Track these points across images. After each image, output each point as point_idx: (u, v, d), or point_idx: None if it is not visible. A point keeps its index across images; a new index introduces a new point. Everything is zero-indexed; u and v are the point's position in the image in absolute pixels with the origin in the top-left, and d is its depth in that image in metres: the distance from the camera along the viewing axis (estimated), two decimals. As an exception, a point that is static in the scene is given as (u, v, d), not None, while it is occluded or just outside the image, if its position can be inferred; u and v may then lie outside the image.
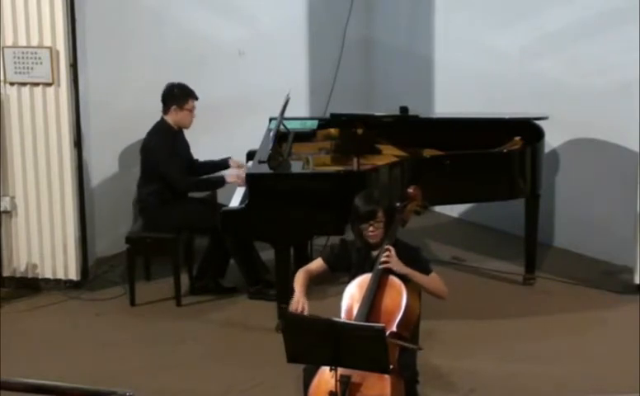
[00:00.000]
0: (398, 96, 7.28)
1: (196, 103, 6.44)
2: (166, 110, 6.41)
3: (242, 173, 6.28)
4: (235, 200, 6.12)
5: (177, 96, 6.38)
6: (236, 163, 6.63)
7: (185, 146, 6.55)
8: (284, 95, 6.35)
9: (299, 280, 4.49)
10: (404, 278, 4.33)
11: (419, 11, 7.95)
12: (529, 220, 6.49)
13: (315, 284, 5.99)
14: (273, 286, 6.14)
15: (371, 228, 4.40)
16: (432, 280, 4.45)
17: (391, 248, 4.37)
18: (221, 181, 6.45)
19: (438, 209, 7.82)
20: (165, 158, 6.30)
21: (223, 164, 6.65)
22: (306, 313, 4.29)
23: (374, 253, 4.42)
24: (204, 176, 6.60)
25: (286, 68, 7.53)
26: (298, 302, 4.36)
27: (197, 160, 6.67)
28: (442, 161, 6.18)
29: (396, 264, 4.34)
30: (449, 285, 4.57)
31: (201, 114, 6.52)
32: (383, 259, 4.33)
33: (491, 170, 6.32)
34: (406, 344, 4.25)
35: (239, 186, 6.29)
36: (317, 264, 4.62)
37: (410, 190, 4.74)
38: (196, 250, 6.69)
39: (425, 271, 4.46)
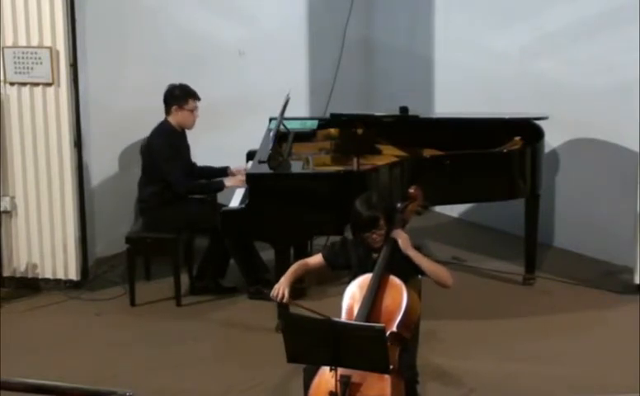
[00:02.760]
0: (398, 96, 7.28)
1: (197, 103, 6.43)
2: (167, 110, 6.41)
3: (242, 177, 6.30)
4: (235, 200, 6.11)
5: (178, 96, 6.38)
6: (235, 171, 6.60)
7: (186, 149, 6.55)
8: (284, 95, 6.35)
9: (291, 269, 4.54)
10: (405, 278, 4.34)
11: (419, 11, 7.96)
12: (529, 220, 6.49)
13: (316, 283, 6.03)
14: (273, 286, 6.12)
15: (374, 236, 4.41)
16: (436, 266, 4.46)
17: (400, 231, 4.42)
18: (220, 186, 6.44)
19: (438, 209, 7.83)
20: (167, 160, 6.29)
21: (222, 172, 6.64)
22: (285, 300, 4.34)
23: (375, 255, 4.43)
24: (204, 181, 6.59)
25: (286, 68, 7.54)
26: (280, 287, 4.40)
27: (195, 164, 6.67)
28: (442, 161, 6.18)
29: (404, 242, 4.39)
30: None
31: (201, 114, 6.51)
32: (393, 234, 4.38)
33: (491, 170, 6.32)
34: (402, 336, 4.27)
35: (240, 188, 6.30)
36: (316, 259, 4.63)
37: (411, 190, 4.74)
38: (196, 250, 6.69)
39: None
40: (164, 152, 6.31)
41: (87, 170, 6.76)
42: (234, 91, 7.35)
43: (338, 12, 7.86)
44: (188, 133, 6.56)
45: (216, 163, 6.70)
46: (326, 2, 7.98)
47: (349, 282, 4.42)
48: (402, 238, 4.43)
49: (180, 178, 6.33)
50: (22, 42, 6.26)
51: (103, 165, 7.00)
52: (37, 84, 6.30)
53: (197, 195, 6.62)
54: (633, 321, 5.86)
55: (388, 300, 4.26)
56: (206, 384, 5.25)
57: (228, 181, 6.42)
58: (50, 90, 6.30)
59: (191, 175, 6.55)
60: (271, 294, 4.41)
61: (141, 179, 6.50)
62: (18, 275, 6.57)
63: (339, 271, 4.80)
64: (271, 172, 5.79)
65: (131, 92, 6.90)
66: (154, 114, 6.47)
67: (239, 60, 7.52)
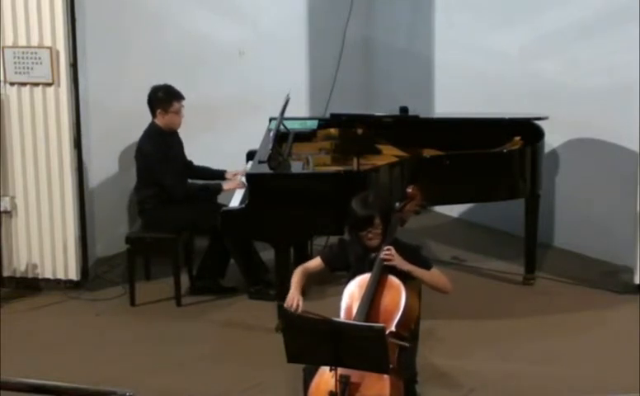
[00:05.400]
0: (398, 96, 7.29)
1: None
2: (153, 114, 6.41)
3: (241, 178, 6.30)
4: (235, 200, 6.12)
5: (161, 99, 6.36)
6: (232, 175, 6.60)
7: (179, 147, 6.54)
8: (284, 95, 6.35)
9: (296, 277, 4.54)
10: (404, 278, 4.33)
11: (419, 11, 7.96)
12: (529, 220, 6.49)
13: (315, 283, 6.03)
14: (273, 286, 6.14)
15: (370, 235, 4.41)
16: (433, 275, 4.46)
17: (391, 248, 4.37)
18: (218, 189, 6.43)
19: (438, 209, 7.83)
20: (160, 165, 6.27)
21: (219, 175, 6.63)
22: (300, 310, 4.32)
23: (373, 254, 4.42)
24: (202, 185, 6.58)
25: (286, 68, 7.54)
26: (293, 298, 4.40)
27: (192, 162, 6.65)
28: (442, 161, 6.18)
29: (398, 261, 4.35)
30: (448, 286, 4.56)
31: (201, 114, 6.52)
32: (384, 256, 4.33)
33: (491, 170, 6.32)
34: (400, 343, 4.25)
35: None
36: (315, 263, 4.64)
37: (409, 189, 4.74)
38: (196, 250, 6.69)
39: (426, 267, 4.46)
40: (156, 157, 6.28)
41: (87, 170, 6.76)
42: (234, 91, 7.35)
43: (338, 12, 7.86)
44: (188, 133, 6.55)
45: (216, 163, 6.69)
46: (326, 2, 7.99)
47: (347, 282, 4.42)
48: (395, 261, 4.36)
49: (176, 184, 6.32)
50: (22, 42, 6.26)
51: (103, 165, 7.00)
52: (37, 84, 6.30)
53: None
54: (633, 321, 5.87)
55: (386, 300, 4.27)
56: (206, 384, 5.25)
57: (225, 185, 6.41)
58: (50, 90, 6.30)
59: (187, 174, 6.54)
60: (285, 305, 4.39)
61: (137, 183, 6.48)
62: (18, 275, 6.57)
63: (338, 272, 4.79)
64: (271, 172, 5.80)
65: (131, 92, 6.90)
66: (154, 114, 6.47)
67: (239, 60, 7.53)
